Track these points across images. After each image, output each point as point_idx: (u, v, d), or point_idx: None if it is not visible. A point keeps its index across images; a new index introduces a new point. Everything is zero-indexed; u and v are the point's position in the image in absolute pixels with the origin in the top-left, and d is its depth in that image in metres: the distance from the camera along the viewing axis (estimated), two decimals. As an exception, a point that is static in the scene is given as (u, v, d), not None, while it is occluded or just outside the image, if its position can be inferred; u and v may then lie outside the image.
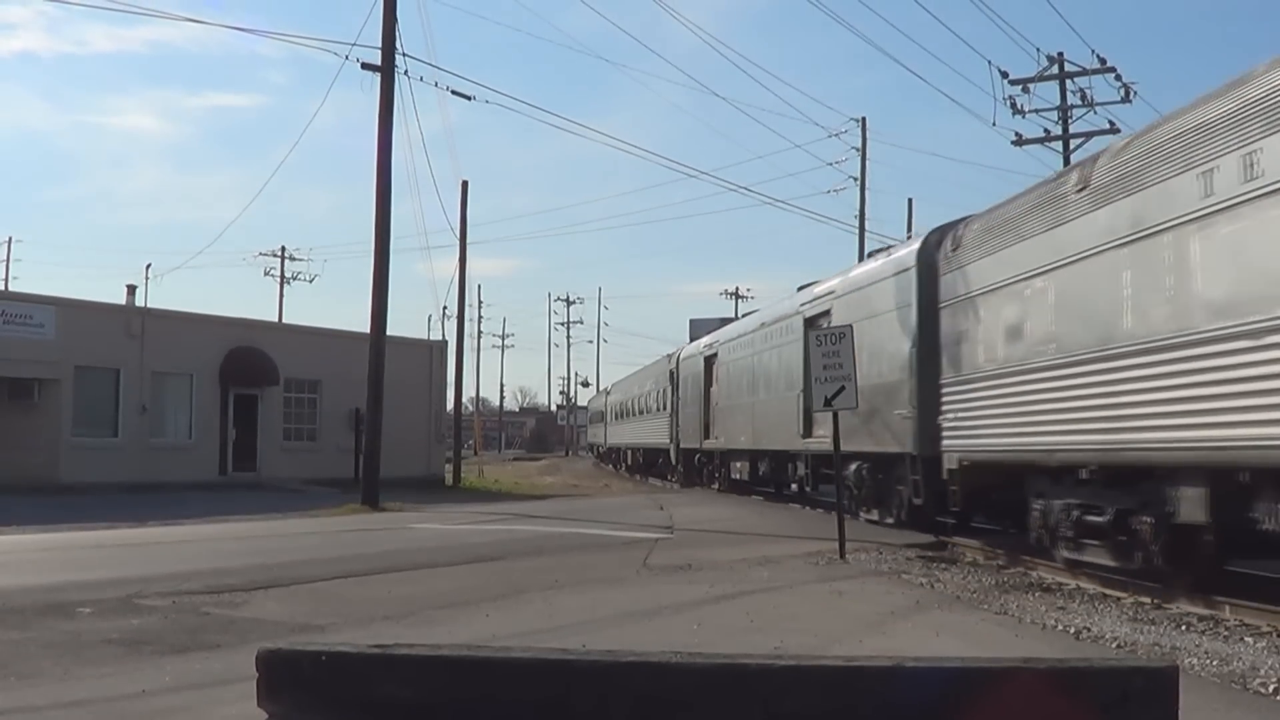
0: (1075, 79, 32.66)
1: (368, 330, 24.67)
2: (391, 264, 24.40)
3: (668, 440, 37.20)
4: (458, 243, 39.27)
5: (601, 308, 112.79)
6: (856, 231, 44.80)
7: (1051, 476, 11.99)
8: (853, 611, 9.14)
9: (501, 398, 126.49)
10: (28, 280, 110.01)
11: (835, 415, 13.79)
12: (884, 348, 16.42)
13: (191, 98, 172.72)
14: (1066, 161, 30.16)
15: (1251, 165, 8.58)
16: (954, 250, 14.59)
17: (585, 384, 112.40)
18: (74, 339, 29.32)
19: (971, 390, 13.80)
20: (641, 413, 44.45)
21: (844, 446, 16.10)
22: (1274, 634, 8.30)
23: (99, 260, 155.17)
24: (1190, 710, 2.92)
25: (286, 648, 3.03)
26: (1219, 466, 9.08)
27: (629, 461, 50.53)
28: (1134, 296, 10.23)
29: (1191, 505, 9.41)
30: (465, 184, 40.12)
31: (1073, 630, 8.42)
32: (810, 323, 20.00)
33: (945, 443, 14.42)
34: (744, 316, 35.64)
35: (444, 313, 70.34)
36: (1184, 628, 8.71)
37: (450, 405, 42.77)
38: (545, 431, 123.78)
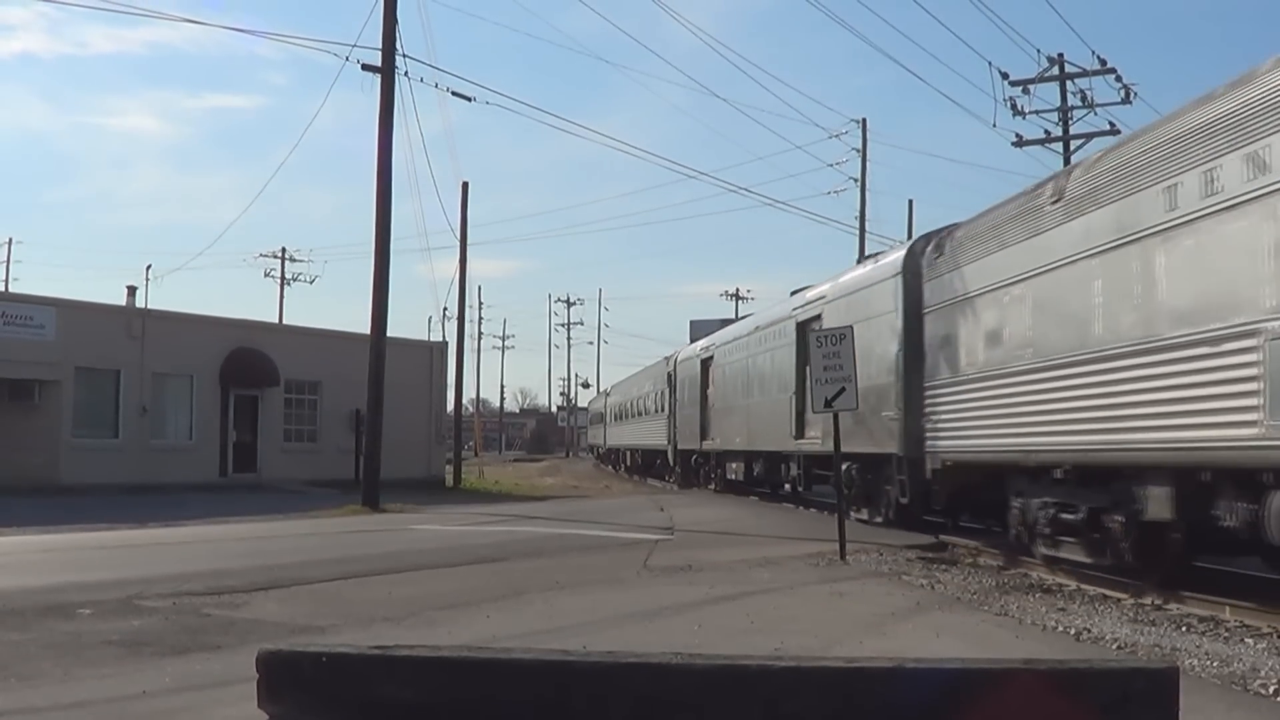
0: (1075, 80, 32.70)
1: (368, 331, 24.67)
2: (392, 265, 24.44)
3: (665, 442, 37.56)
4: (458, 244, 39.33)
5: (602, 309, 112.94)
6: (857, 233, 44.86)
7: (1030, 476, 12.41)
8: (853, 613, 9.14)
9: (502, 399, 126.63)
10: (28, 281, 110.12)
11: (836, 416, 13.84)
12: (872, 351, 16.49)
13: (191, 99, 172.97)
14: (1067, 162, 30.16)
15: (1211, 181, 9.08)
16: (938, 257, 15.06)
17: (586, 385, 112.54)
18: (74, 340, 29.33)
19: (954, 393, 14.25)
20: (640, 414, 44.82)
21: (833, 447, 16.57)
22: (1274, 635, 8.29)
23: (99, 261, 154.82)
24: (1191, 711, 2.92)
25: (287, 649, 3.02)
26: (1183, 466, 9.55)
27: (628, 462, 50.95)
28: (1104, 304, 10.72)
29: (1158, 503, 9.88)
30: (465, 185, 40.22)
31: (1073, 631, 8.41)
32: (802, 327, 20.49)
33: (929, 444, 14.90)
34: (741, 319, 35.80)
35: (444, 314, 70.51)
36: (1184, 629, 8.71)
37: (450, 406, 42.78)
38: (546, 433, 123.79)
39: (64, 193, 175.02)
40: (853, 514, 17.90)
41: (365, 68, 23.96)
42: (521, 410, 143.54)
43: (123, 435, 30.80)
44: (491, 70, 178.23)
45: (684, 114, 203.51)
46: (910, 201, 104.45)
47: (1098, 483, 11.06)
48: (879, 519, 17.27)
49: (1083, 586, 11.05)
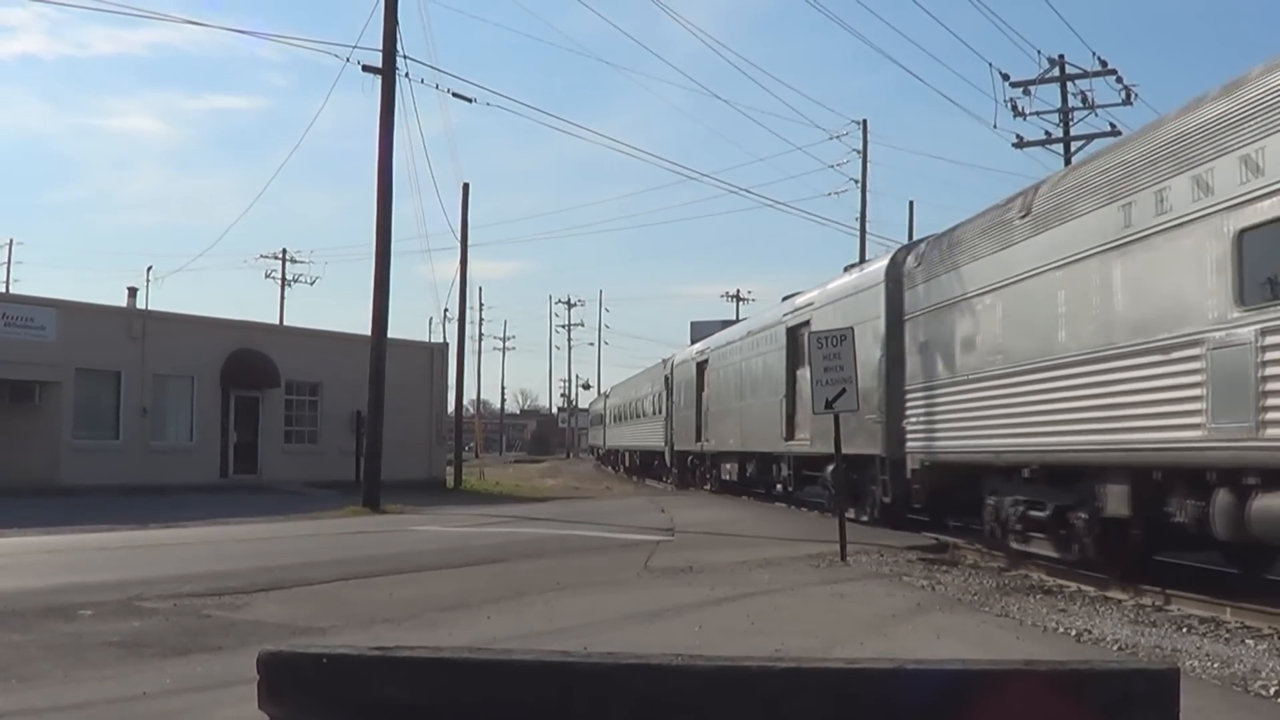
0: (1076, 81, 32.68)
1: (369, 332, 24.67)
2: (392, 266, 24.43)
3: (663, 443, 38.15)
4: (459, 245, 39.33)
5: (602, 310, 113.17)
6: (858, 234, 44.86)
7: (1002, 475, 13.15)
8: (854, 614, 9.14)
9: (502, 400, 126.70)
10: (29, 282, 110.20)
11: (837, 418, 13.89)
12: (859, 354, 16.66)
13: (192, 100, 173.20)
14: (1068, 163, 30.17)
15: (1162, 200, 9.78)
16: (917, 267, 15.83)
17: (586, 386, 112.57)
18: (75, 341, 29.33)
19: (931, 396, 14.95)
20: (638, 416, 45.44)
21: (821, 449, 18.52)
22: (1275, 636, 8.30)
23: (100, 262, 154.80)
24: (1191, 712, 2.92)
25: (288, 650, 3.02)
26: (1137, 466, 10.24)
27: (627, 463, 51.61)
28: (1067, 314, 11.44)
29: (1117, 501, 10.57)
30: (466, 186, 40.26)
31: (1074, 632, 8.42)
32: (792, 332, 21.56)
33: (909, 445, 15.63)
34: (737, 323, 36.17)
35: (445, 315, 70.47)
36: (1185, 630, 8.72)
37: (451, 407, 42.77)
38: (546, 434, 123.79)
39: (64, 194, 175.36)
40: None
41: (366, 69, 23.97)
42: (522, 411, 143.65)
43: (123, 436, 30.79)
44: (492, 71, 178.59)
45: (684, 115, 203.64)
46: (911, 203, 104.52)
47: (1063, 482, 11.68)
48: (865, 518, 17.75)
49: (1083, 588, 11.08)
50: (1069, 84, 32.79)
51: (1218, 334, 8.97)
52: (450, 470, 40.16)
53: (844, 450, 17.74)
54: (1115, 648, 7.85)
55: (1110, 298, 10.63)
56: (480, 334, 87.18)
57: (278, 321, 55.34)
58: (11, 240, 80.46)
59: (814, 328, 19.26)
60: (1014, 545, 12.78)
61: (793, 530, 17.46)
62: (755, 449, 25.02)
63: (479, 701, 2.85)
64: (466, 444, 53.70)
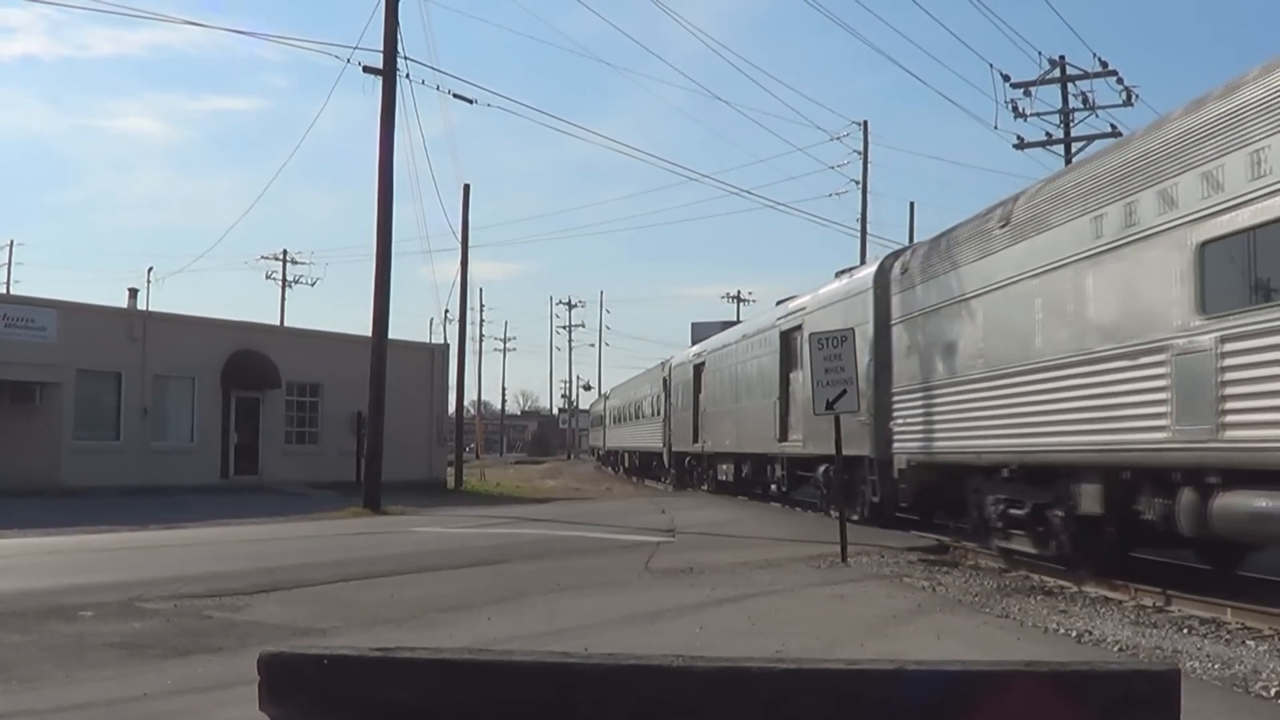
0: (1077, 82, 32.69)
1: (369, 333, 24.67)
2: (393, 267, 24.43)
3: (661, 444, 38.63)
4: (459, 246, 39.32)
5: (603, 311, 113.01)
6: (858, 235, 44.86)
7: (984, 475, 13.67)
8: (855, 615, 9.14)
9: (503, 401, 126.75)
10: (29, 283, 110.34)
11: (838, 419, 13.89)
12: None
13: (192, 101, 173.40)
14: (1068, 164, 30.17)
15: (1131, 213, 10.29)
16: (903, 274, 16.35)
17: (587, 387, 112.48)
18: (75, 342, 29.33)
19: (916, 398, 15.47)
20: (637, 417, 45.94)
21: (814, 450, 19.49)
22: (1276, 637, 8.30)
23: (100, 263, 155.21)
24: (1192, 714, 2.92)
25: (288, 651, 3.02)
26: (1108, 466, 10.75)
27: (626, 464, 52.08)
28: (1044, 320, 11.96)
29: (1090, 499, 11.07)
30: (467, 187, 40.25)
31: (1074, 634, 8.42)
32: (785, 336, 22.30)
33: (895, 446, 16.13)
34: (734, 325, 36.41)
35: (445, 316, 70.56)
36: (1186, 631, 8.72)
37: (452, 408, 42.77)
38: (547, 435, 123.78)
39: (65, 195, 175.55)
40: (832, 513, 19.14)
41: (366, 70, 23.98)
42: (523, 412, 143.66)
43: (124, 437, 30.77)
44: (493, 72, 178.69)
45: (685, 116, 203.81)
46: (912, 204, 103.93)
47: (1041, 481, 12.16)
48: (855, 517, 17.96)
49: (1084, 589, 11.08)
50: (1070, 85, 32.81)
51: (1181, 341, 9.47)
52: (451, 471, 40.15)
53: (833, 451, 18.12)
54: (1116, 649, 7.85)
55: (1083, 305, 11.13)
56: (481, 335, 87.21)
57: (278, 322, 55.31)
58: (12, 241, 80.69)
59: (806, 331, 19.81)
60: (997, 542, 13.32)
61: (793, 531, 17.46)
62: (750, 450, 25.48)
63: (480, 702, 2.86)
64: (467, 445, 53.70)
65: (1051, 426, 11.61)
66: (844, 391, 13.33)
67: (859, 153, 45.81)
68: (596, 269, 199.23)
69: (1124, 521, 10.78)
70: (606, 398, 64.18)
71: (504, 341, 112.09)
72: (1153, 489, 10.10)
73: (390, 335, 24.91)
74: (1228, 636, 8.48)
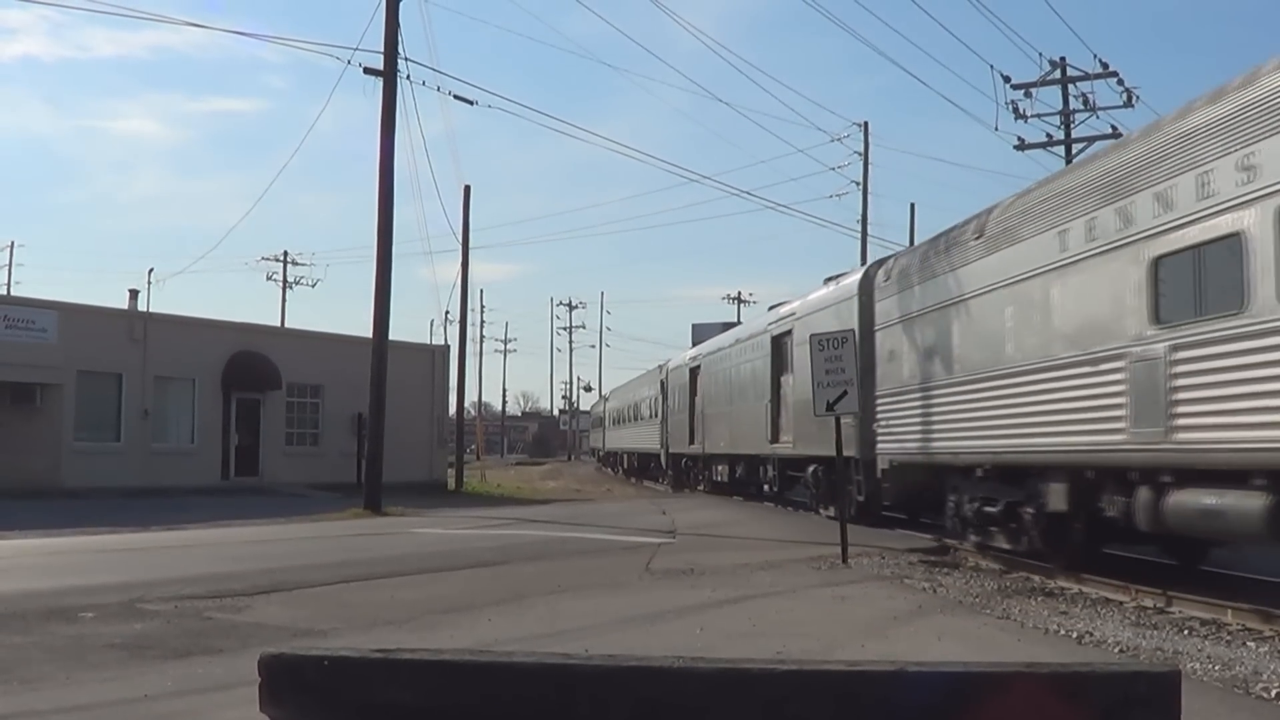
0: (1077, 83, 32.67)
1: (370, 335, 24.67)
2: (394, 268, 24.43)
3: (659, 445, 39.34)
4: (460, 247, 39.30)
5: (604, 312, 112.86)
6: (859, 236, 44.85)
7: (962, 474, 14.25)
8: (855, 616, 9.14)
9: (504, 402, 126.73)
10: (30, 285, 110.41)
11: (838, 420, 13.94)
12: None
13: (193, 102, 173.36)
14: (1066, 167, 30.14)
15: (1091, 228, 10.96)
16: (886, 281, 17.06)
17: (588, 388, 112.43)
18: (76, 343, 29.34)
19: (898, 401, 16.07)
20: (636, 419, 46.66)
21: (804, 450, 20.35)
22: (1276, 638, 8.30)
23: (101, 265, 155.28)
24: (1192, 715, 2.91)
25: (289, 652, 3.02)
26: (1073, 466, 11.38)
27: (625, 465, 52.64)
28: (1014, 328, 12.63)
29: (1057, 497, 11.66)
30: (468, 188, 40.15)
31: (1075, 635, 8.41)
32: (776, 340, 23.08)
33: (879, 447, 16.72)
34: (739, 325, 36.81)
35: (446, 317, 70.56)
36: (1186, 632, 8.72)
37: (452, 410, 42.80)
38: (547, 436, 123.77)
39: (66, 196, 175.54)
40: (821, 512, 20.43)
41: (367, 71, 23.98)
42: (523, 414, 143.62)
43: (124, 438, 30.78)
44: (493, 74, 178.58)
45: (686, 117, 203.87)
46: (912, 205, 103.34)
47: (1013, 480, 12.75)
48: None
49: (1084, 590, 11.10)
50: (1070, 86, 32.79)
51: (1137, 349, 10.13)
52: (451, 472, 40.15)
53: (822, 452, 19.45)
54: (1117, 650, 7.85)
55: (1050, 314, 11.81)
56: (481, 336, 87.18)
57: (279, 324, 55.34)
58: (13, 242, 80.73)
59: (796, 336, 21.10)
60: (973, 538, 13.99)
61: (793, 532, 17.47)
62: (744, 451, 26.11)
63: (480, 703, 2.86)
64: (468, 446, 53.69)
65: (1021, 428, 12.26)
66: (844, 393, 13.34)
67: (859, 154, 45.85)
68: (597, 270, 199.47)
69: (1091, 518, 11.32)
70: (606, 399, 64.64)
71: (504, 343, 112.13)
72: (1113, 487, 10.71)
73: (391, 336, 24.92)
74: (1228, 638, 8.48)
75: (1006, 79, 32.75)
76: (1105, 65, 32.29)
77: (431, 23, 76.15)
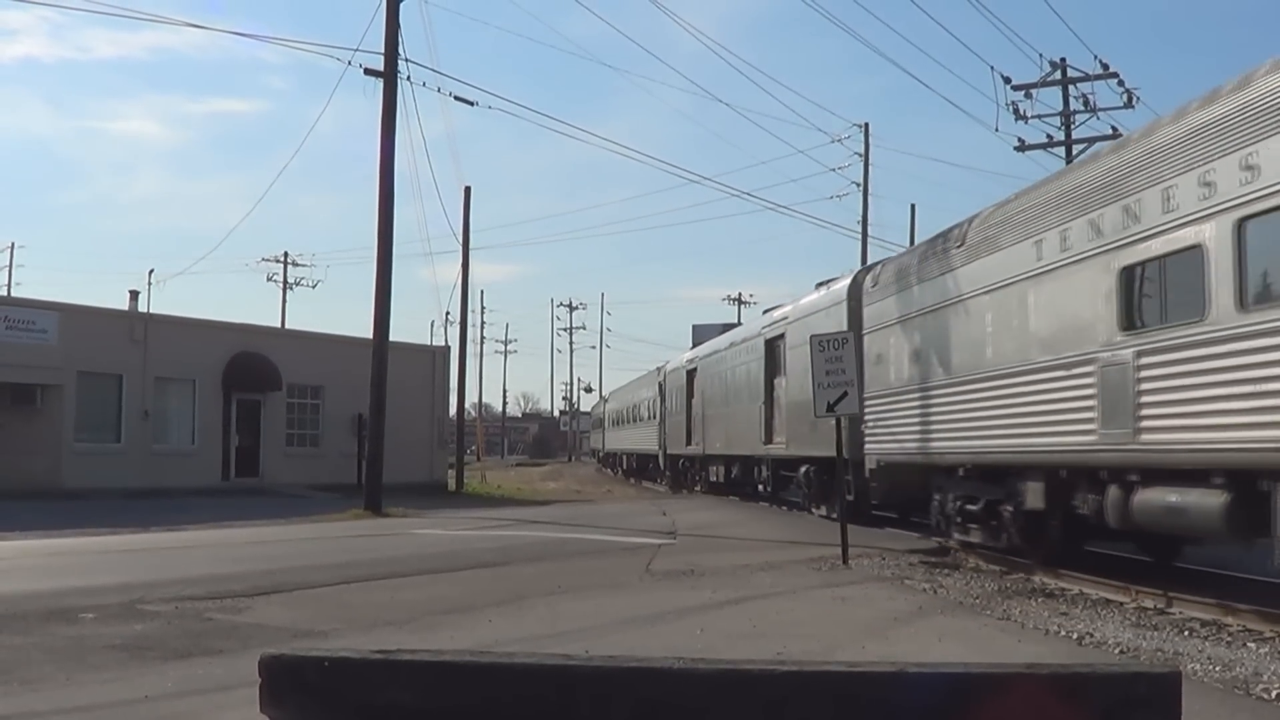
0: (1078, 84, 32.67)
1: (370, 336, 24.67)
2: (394, 269, 24.42)
3: (657, 446, 39.91)
4: (460, 248, 39.29)
5: (604, 313, 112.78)
6: (859, 237, 44.83)
7: (946, 473, 14.76)
8: (856, 617, 9.14)
9: (504, 403, 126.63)
10: (30, 286, 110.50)
11: (839, 422, 13.98)
12: None
13: (193, 103, 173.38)
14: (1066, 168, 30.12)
15: (1065, 239, 11.52)
16: (873, 287, 17.67)
17: (588, 389, 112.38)
18: (77, 344, 29.34)
19: (885, 403, 16.51)
20: (635, 420, 47.32)
21: (796, 451, 21.00)
22: (1277, 639, 8.30)
23: (102, 266, 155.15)
24: (1193, 716, 2.92)
25: (289, 653, 3.02)
26: (1048, 465, 11.88)
27: (625, 466, 53.15)
28: (994, 333, 13.16)
29: (1034, 495, 12.15)
30: (468, 189, 40.12)
31: (1075, 636, 8.41)
32: (769, 344, 23.74)
33: (867, 447, 17.16)
34: (739, 326, 37.11)
35: (446, 318, 70.58)
36: (1187, 633, 8.72)
37: (453, 411, 42.79)
38: (548, 437, 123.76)
39: (66, 197, 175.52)
40: (814, 511, 21.06)
41: (368, 72, 23.98)
42: (524, 414, 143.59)
43: (125, 439, 30.79)
44: (494, 75, 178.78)
45: (686, 118, 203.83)
46: (913, 206, 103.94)
47: (993, 479, 13.26)
48: (834, 515, 18.90)
49: (1084, 591, 11.11)
50: (1070, 87, 32.79)
51: (1106, 354, 10.65)
52: (452, 473, 40.15)
53: (814, 453, 20.35)
54: (1117, 651, 7.85)
55: (1026, 320, 12.33)
56: (482, 337, 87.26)
57: (279, 324, 55.36)
58: (13, 243, 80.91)
59: (789, 339, 21.90)
60: (956, 535, 14.48)
61: (793, 533, 17.48)
62: (739, 452, 26.62)
63: (480, 704, 2.86)
64: (468, 447, 53.70)
65: (1000, 430, 12.83)
66: (845, 394, 13.33)
67: (860, 155, 45.80)
68: (597, 271, 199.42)
69: (1066, 516, 11.80)
70: (606, 401, 64.98)
71: (505, 344, 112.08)
72: (1086, 486, 11.26)
73: (391, 337, 24.91)
74: (1229, 639, 8.48)
75: (1007, 80, 32.78)
76: (1106, 66, 32.32)
77: (432, 24, 76.22)
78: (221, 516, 21.10)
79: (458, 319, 40.82)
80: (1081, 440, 10.97)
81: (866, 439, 17.02)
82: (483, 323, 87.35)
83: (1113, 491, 10.60)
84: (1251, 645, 8.13)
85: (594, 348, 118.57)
